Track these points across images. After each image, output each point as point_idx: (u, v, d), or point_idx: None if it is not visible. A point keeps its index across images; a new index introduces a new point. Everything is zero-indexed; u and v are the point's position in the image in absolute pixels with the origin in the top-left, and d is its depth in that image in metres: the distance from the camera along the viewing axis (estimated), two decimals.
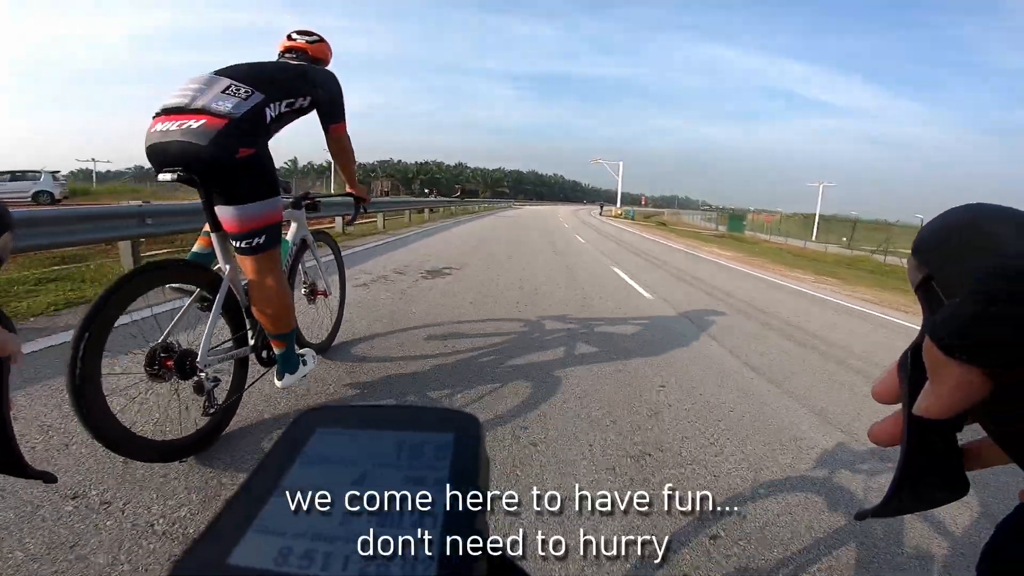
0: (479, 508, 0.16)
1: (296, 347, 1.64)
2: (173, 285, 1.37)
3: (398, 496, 0.16)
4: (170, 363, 1.29)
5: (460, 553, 0.14)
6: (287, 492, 0.16)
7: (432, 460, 0.17)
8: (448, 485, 0.16)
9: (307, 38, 1.77)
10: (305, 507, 0.15)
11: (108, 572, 1.00)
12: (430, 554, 0.14)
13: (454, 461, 0.17)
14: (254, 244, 1.40)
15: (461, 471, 0.17)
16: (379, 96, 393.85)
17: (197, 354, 1.32)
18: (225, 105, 1.32)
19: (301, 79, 1.56)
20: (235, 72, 1.43)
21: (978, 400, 0.20)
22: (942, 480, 0.24)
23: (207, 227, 1.46)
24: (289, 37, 1.79)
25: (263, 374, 1.73)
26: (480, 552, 0.14)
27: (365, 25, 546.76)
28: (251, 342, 1.58)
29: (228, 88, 1.36)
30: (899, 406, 0.24)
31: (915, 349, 0.23)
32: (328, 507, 0.15)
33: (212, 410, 1.38)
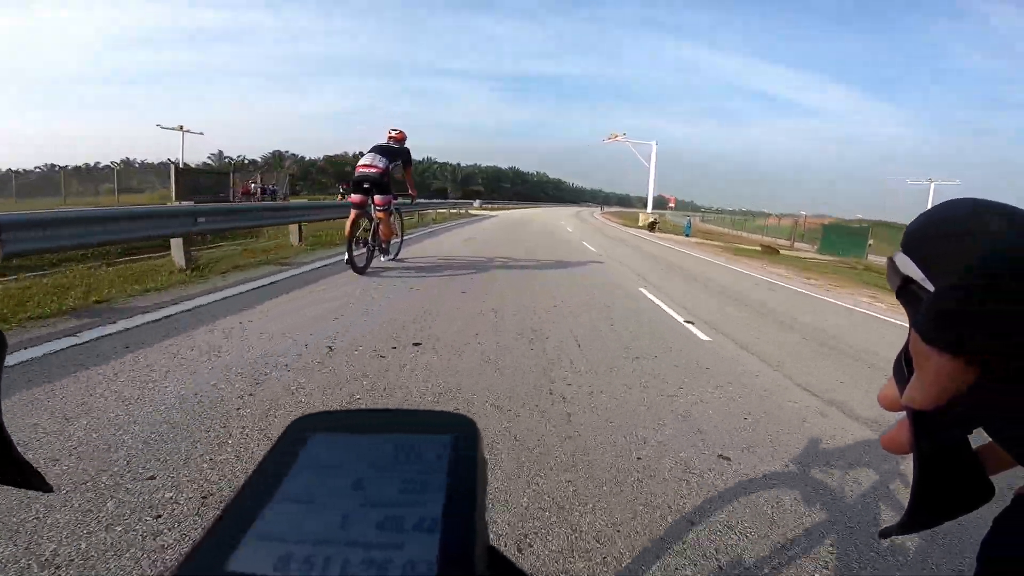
0: (477, 510, 0.16)
1: (387, 247, 6.39)
2: (364, 219, 5.84)
3: (396, 499, 0.16)
4: (361, 242, 5.79)
5: (459, 555, 0.14)
6: (284, 498, 0.16)
7: (429, 462, 0.18)
8: (446, 487, 0.16)
9: (395, 132, 6.03)
10: (302, 512, 0.16)
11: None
12: (430, 557, 0.14)
13: (451, 463, 0.18)
14: (386, 208, 5.78)
15: (459, 473, 0.17)
16: (351, 99, 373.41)
17: (368, 239, 5.83)
18: (380, 163, 5.64)
19: (399, 153, 5.91)
20: (380, 150, 5.77)
21: (960, 389, 0.21)
22: (963, 486, 0.23)
23: (353, 210, 5.65)
24: (392, 132, 6.04)
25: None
26: (479, 553, 0.15)
27: (340, 25, 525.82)
28: (378, 241, 6.00)
29: (380, 159, 5.68)
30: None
31: (907, 353, 0.24)
32: (326, 512, 0.16)
33: (368, 260, 5.74)
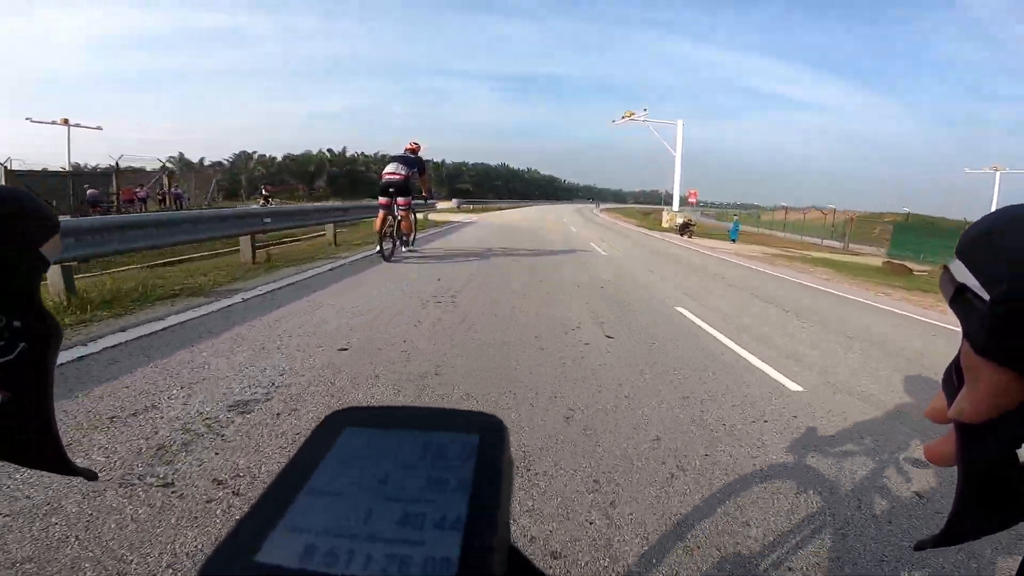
0: (501, 510, 0.16)
1: (408, 240, 7.63)
2: (391, 217, 6.91)
3: (422, 497, 0.16)
4: (387, 237, 6.84)
5: (480, 554, 0.14)
6: (314, 490, 0.17)
7: (457, 461, 0.18)
8: (472, 487, 0.17)
9: (413, 143, 7.28)
10: (331, 506, 0.16)
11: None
12: (451, 555, 0.14)
13: (479, 463, 0.18)
14: (407, 207, 7.07)
15: (485, 473, 0.17)
16: (347, 100, 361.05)
17: (394, 232, 6.96)
18: (403, 171, 6.91)
19: (416, 162, 7.10)
20: (401, 159, 7.02)
21: (1012, 404, 0.21)
22: (1007, 500, 0.23)
23: (381, 210, 6.89)
24: (410, 144, 7.28)
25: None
26: (500, 554, 0.15)
27: (338, 26, 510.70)
28: (400, 234, 7.18)
29: (402, 167, 6.93)
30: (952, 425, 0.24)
31: (958, 364, 0.23)
32: (353, 506, 0.16)
33: (392, 249, 6.93)
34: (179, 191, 21.97)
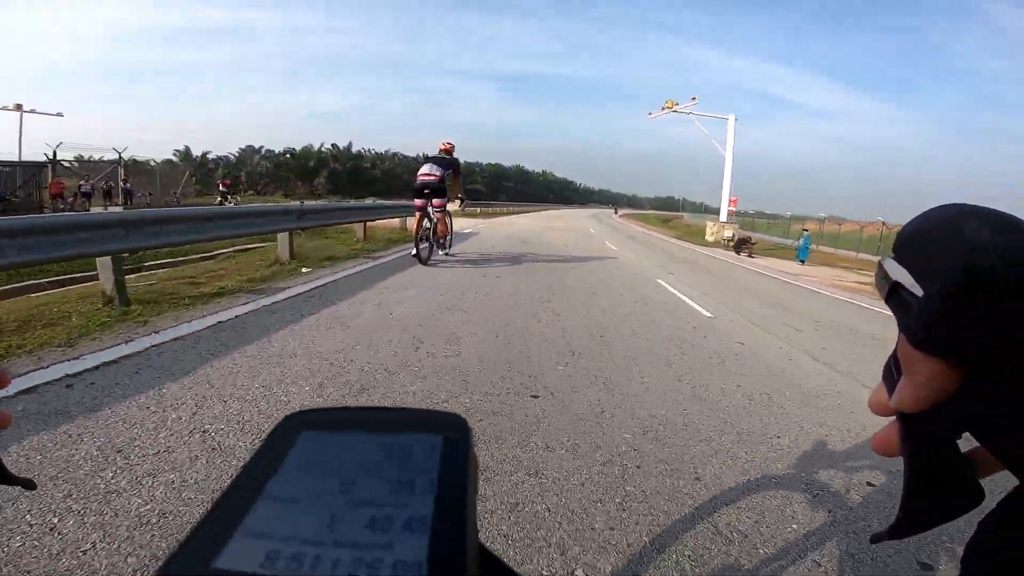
0: (468, 510, 0.16)
1: (444, 243, 7.64)
2: (426, 219, 6.91)
3: (385, 499, 0.16)
4: (423, 238, 6.86)
5: (449, 555, 0.14)
6: (273, 495, 0.16)
7: (420, 462, 0.17)
8: (437, 487, 0.16)
9: (447, 143, 7.35)
10: (292, 510, 0.15)
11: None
12: (419, 557, 0.14)
13: (443, 462, 0.17)
14: (442, 209, 7.07)
15: (450, 472, 0.17)
16: (353, 98, 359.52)
17: (430, 236, 6.99)
18: (437, 171, 6.89)
19: (451, 163, 7.13)
20: (436, 161, 7.01)
21: (947, 392, 0.22)
22: (953, 490, 0.24)
23: (417, 212, 6.96)
24: (443, 144, 7.35)
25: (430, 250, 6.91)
26: (470, 554, 0.15)
27: (345, 24, 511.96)
28: (436, 238, 7.18)
29: (437, 168, 6.91)
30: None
31: (896, 356, 0.24)
32: (314, 510, 0.15)
33: (429, 254, 6.91)
34: (129, 186, 18.85)
